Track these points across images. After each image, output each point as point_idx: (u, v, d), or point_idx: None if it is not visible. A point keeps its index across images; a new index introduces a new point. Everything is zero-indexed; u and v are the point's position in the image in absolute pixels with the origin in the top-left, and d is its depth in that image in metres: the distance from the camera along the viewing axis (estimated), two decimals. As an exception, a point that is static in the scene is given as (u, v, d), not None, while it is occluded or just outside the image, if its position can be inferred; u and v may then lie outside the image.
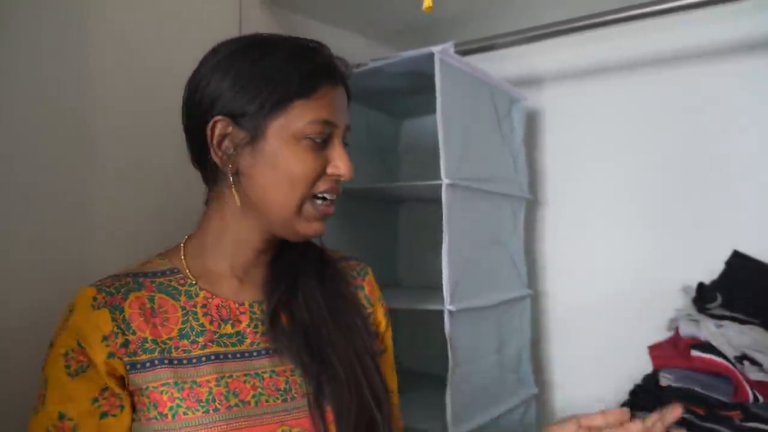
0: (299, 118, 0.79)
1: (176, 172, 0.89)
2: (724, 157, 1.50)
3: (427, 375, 1.72)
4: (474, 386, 1.37)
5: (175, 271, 0.84)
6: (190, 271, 0.84)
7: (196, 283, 0.83)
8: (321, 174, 0.81)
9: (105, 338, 0.74)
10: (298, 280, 0.89)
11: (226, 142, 0.80)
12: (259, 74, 0.79)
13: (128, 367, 0.75)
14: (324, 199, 0.82)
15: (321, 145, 0.81)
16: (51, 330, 0.80)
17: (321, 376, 0.82)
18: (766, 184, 1.44)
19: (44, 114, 1.04)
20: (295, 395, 0.81)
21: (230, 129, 0.79)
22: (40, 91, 1.03)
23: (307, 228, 0.82)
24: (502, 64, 1.71)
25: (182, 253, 0.86)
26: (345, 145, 0.84)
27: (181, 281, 0.83)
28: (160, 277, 0.82)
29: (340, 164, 0.82)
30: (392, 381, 0.99)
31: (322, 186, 0.81)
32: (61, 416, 0.72)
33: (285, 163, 0.79)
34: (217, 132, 0.79)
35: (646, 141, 1.61)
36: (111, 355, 0.74)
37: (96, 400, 0.73)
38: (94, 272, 1.04)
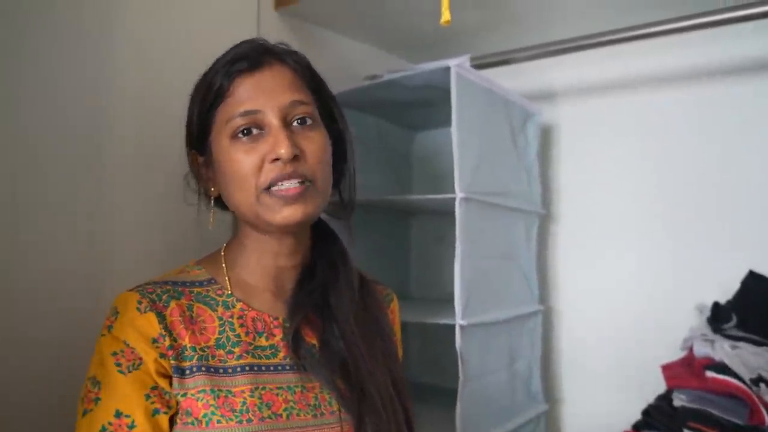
0: (221, 122, 0.81)
1: (190, 191, 0.90)
2: (741, 175, 1.49)
3: (437, 388, 1.71)
4: (484, 401, 1.36)
5: (213, 281, 0.85)
6: (229, 282, 0.85)
7: (233, 295, 0.84)
8: (260, 164, 0.78)
9: (154, 341, 0.76)
10: (330, 302, 0.87)
11: (202, 170, 0.87)
12: (191, 102, 0.86)
13: (174, 370, 0.76)
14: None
15: (256, 136, 0.79)
16: (65, 338, 0.81)
17: (362, 409, 0.81)
18: (783, 203, 1.43)
19: (60, 120, 1.04)
20: (324, 411, 0.81)
21: (199, 158, 0.86)
22: (56, 99, 1.03)
23: (275, 216, 0.79)
24: (518, 79, 1.70)
25: (223, 262, 0.87)
26: (302, 122, 0.81)
27: (219, 292, 0.84)
28: (198, 287, 0.83)
29: (275, 146, 0.78)
30: None
31: (268, 175, 0.78)
32: (118, 413, 0.73)
33: (228, 168, 0.80)
34: (194, 162, 0.87)
35: (661, 157, 1.60)
36: (162, 355, 0.75)
37: (149, 396, 0.74)
38: (106, 281, 1.06)
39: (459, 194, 1.28)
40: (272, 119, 0.79)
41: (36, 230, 1.01)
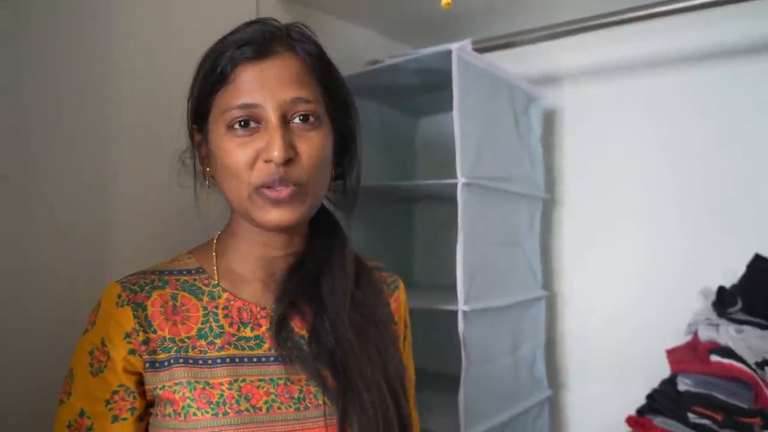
0: (220, 107, 0.78)
1: (185, 173, 0.88)
2: (747, 158, 1.47)
3: (441, 375, 1.71)
4: (487, 387, 1.36)
5: (201, 270, 0.84)
6: (217, 271, 0.84)
7: (219, 284, 0.83)
8: (253, 162, 0.75)
9: (127, 335, 0.75)
10: (323, 294, 0.85)
11: (201, 148, 0.84)
12: (194, 78, 0.82)
13: (147, 365, 0.76)
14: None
15: (253, 129, 0.76)
16: (72, 327, 0.82)
17: (347, 404, 0.78)
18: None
19: (62, 110, 1.04)
20: (309, 405, 0.79)
21: (198, 136, 0.83)
22: (58, 89, 1.03)
23: (263, 216, 0.76)
24: (521, 62, 1.69)
25: (214, 250, 0.86)
26: (304, 119, 0.77)
27: (206, 281, 0.83)
28: (186, 276, 0.82)
29: (269, 146, 0.74)
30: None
31: (258, 177, 0.75)
32: (82, 413, 0.75)
33: (221, 157, 0.77)
34: (195, 139, 0.84)
35: (667, 141, 1.59)
36: (132, 351, 0.75)
37: (108, 402, 0.75)
38: (112, 270, 1.06)
39: (461, 179, 1.27)
40: (271, 115, 0.75)
41: (38, 224, 1.01)
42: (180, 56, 1.17)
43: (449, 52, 1.29)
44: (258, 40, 0.77)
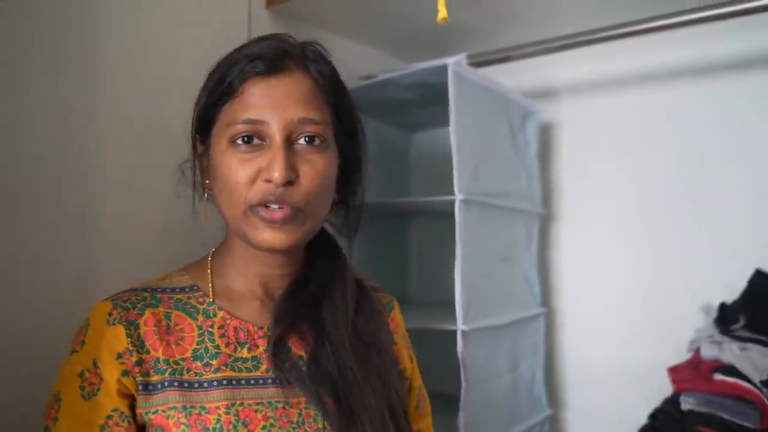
0: (224, 120, 0.76)
1: (183, 184, 0.86)
2: (745, 172, 1.46)
3: (438, 394, 1.68)
4: (486, 408, 1.34)
5: (195, 288, 0.81)
6: (213, 289, 0.81)
7: (214, 302, 0.80)
8: (253, 180, 0.73)
9: (119, 356, 0.72)
10: (324, 318, 0.82)
11: (202, 160, 0.82)
12: (203, 88, 0.80)
13: (140, 387, 0.73)
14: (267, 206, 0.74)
15: (256, 146, 0.74)
16: (55, 347, 0.78)
17: None
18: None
19: (47, 124, 1.02)
20: (308, 429, 0.76)
21: (200, 146, 0.82)
22: (44, 102, 1.01)
23: (256, 236, 0.74)
24: (517, 76, 1.68)
25: (209, 267, 0.83)
26: (310, 141, 0.75)
27: (200, 299, 0.80)
28: (179, 294, 0.80)
29: (269, 166, 0.72)
30: (424, 418, 0.97)
31: (255, 195, 0.73)
32: None
33: (221, 170, 0.75)
34: (197, 150, 0.82)
35: (665, 155, 1.57)
36: (125, 373, 0.72)
37: (102, 427, 0.71)
38: (96, 289, 1.03)
39: (458, 196, 1.26)
40: (275, 133, 0.73)
41: (27, 234, 0.99)
42: (172, 71, 1.17)
43: (445, 67, 1.28)
44: (270, 56, 0.76)
